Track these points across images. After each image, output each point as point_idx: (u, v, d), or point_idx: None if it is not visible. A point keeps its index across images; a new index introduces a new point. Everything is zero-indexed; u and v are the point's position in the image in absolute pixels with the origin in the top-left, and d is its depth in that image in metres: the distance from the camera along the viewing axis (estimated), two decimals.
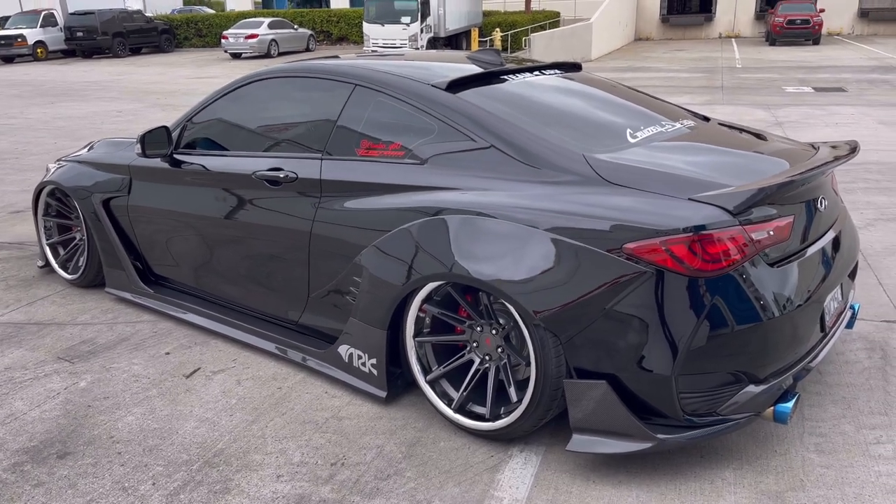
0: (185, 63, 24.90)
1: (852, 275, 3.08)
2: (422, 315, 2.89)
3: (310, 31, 28.34)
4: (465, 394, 2.82)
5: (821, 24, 25.68)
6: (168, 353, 3.61)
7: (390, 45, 21.52)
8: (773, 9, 27.16)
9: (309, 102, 3.43)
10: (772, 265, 2.48)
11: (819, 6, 26.80)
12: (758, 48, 25.43)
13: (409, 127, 3.04)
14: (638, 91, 3.67)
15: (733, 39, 30.28)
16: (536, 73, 3.46)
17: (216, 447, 2.81)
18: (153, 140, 3.73)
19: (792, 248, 2.58)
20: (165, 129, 3.76)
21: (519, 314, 2.55)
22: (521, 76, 3.35)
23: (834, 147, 3.04)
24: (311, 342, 3.38)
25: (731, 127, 3.35)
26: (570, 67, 3.76)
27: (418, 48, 21.28)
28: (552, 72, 3.54)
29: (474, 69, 3.29)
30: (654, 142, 2.89)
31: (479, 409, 2.82)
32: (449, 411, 2.84)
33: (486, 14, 26.72)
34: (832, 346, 2.86)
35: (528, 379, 2.69)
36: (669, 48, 26.64)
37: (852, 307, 3.12)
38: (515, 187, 2.69)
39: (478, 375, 2.82)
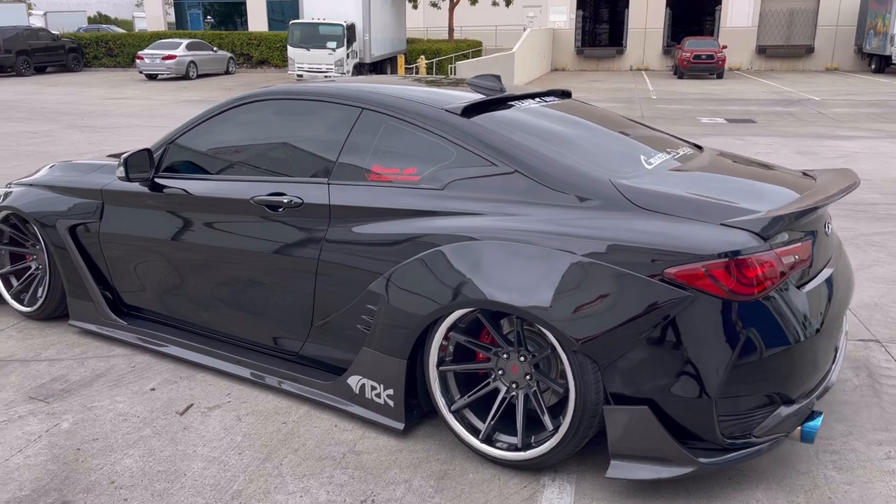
0: (95, 83, 23.87)
1: None
2: (444, 343, 2.83)
3: (229, 54, 27.76)
4: (492, 423, 2.77)
5: (724, 60, 27.24)
6: (153, 389, 3.39)
7: (316, 69, 21.33)
8: (680, 44, 28.63)
9: (310, 126, 3.34)
10: (797, 288, 2.57)
11: (721, 43, 28.44)
12: (668, 80, 26.69)
13: (423, 152, 2.99)
14: (630, 119, 3.76)
15: (644, 72, 31.69)
16: (538, 99, 3.49)
17: (232, 488, 2.64)
18: (135, 163, 3.52)
19: (812, 272, 2.68)
20: (147, 152, 3.57)
21: (558, 340, 2.53)
22: (525, 102, 3.37)
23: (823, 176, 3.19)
24: (313, 374, 3.25)
25: (726, 155, 3.47)
26: (562, 94, 3.82)
27: (344, 74, 21.19)
28: (551, 99, 3.58)
29: (482, 95, 3.28)
30: (668, 168, 2.95)
31: (506, 439, 2.77)
32: (476, 442, 2.78)
33: (410, 42, 26.95)
34: (841, 366, 2.98)
35: (560, 406, 2.67)
36: (585, 79, 27.59)
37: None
38: (543, 212, 2.68)
39: (504, 404, 2.78)
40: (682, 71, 27.43)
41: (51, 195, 4.03)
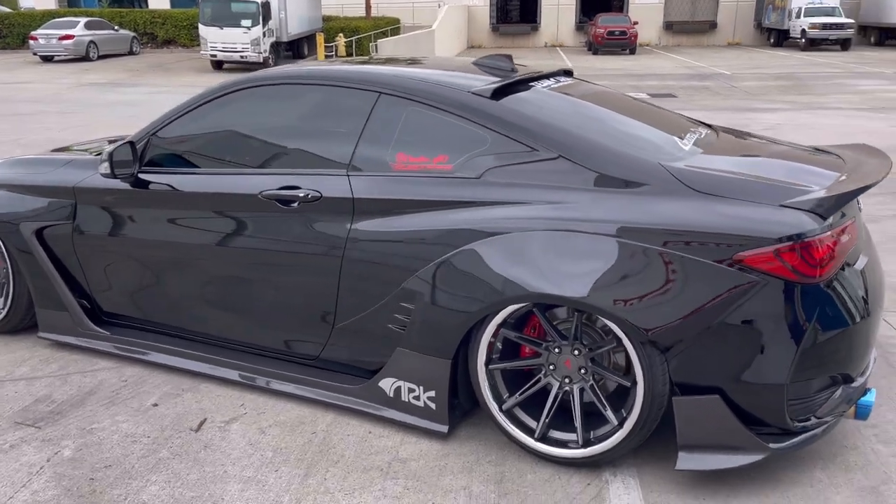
0: None
1: None
2: (492, 340, 2.69)
3: (132, 34, 26.23)
4: (546, 421, 2.66)
5: (636, 36, 27.92)
6: (156, 405, 3.10)
7: (231, 49, 20.43)
8: (593, 20, 29.10)
9: (320, 113, 3.10)
10: (849, 266, 2.57)
11: (632, 19, 29.08)
12: (584, 57, 27.11)
13: (454, 139, 2.82)
14: (637, 98, 3.69)
15: (559, 48, 32.07)
16: (552, 79, 3.36)
17: None
18: (121, 158, 3.18)
19: (857, 250, 2.69)
20: (131, 145, 3.23)
21: (625, 332, 2.44)
22: (542, 83, 3.24)
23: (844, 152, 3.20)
24: (337, 378, 3.05)
25: (736, 133, 3.45)
26: (566, 74, 3.71)
27: (261, 53, 20.40)
28: (563, 79, 3.46)
29: (498, 77, 3.12)
30: (701, 149, 2.89)
31: (561, 436, 2.67)
32: (532, 441, 2.67)
33: (326, 19, 26.19)
34: None
35: (617, 399, 2.60)
36: None
37: None
38: (593, 199, 2.57)
39: (557, 400, 2.67)
40: (597, 47, 27.91)
41: (7, 195, 3.62)
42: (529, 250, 2.55)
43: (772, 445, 2.43)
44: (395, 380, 2.86)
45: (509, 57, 3.38)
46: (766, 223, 2.38)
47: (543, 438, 2.67)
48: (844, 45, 27.24)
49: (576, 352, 2.62)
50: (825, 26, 27.09)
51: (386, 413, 2.90)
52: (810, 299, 2.38)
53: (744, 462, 2.43)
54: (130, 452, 2.76)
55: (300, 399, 3.09)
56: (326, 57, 21.81)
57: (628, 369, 2.65)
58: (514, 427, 2.70)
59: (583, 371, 2.63)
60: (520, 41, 33.69)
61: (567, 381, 2.66)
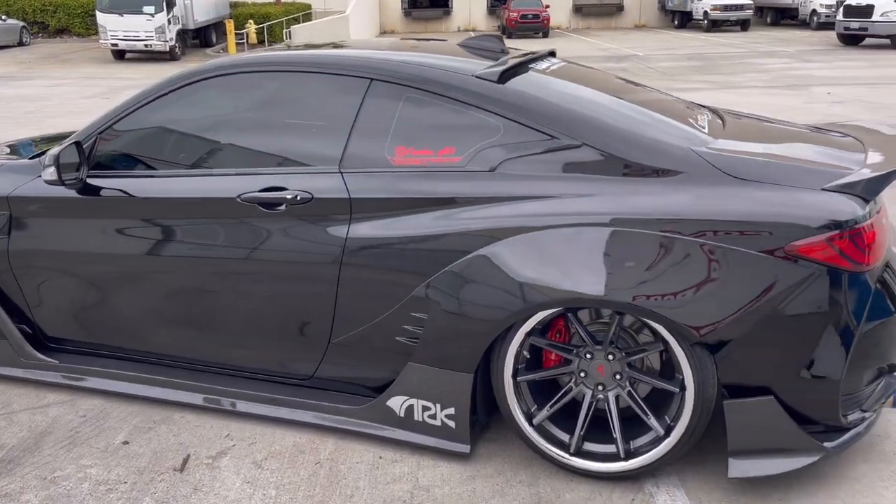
0: None
1: None
2: (518, 349, 2.44)
3: (21, 23, 24.35)
4: (581, 434, 2.45)
5: (549, 19, 28.12)
6: (126, 443, 2.71)
7: (133, 38, 19.22)
8: (506, 4, 29.10)
9: (302, 103, 2.76)
10: None
11: (544, 2, 29.27)
12: None
13: (460, 128, 2.55)
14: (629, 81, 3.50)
15: (472, 32, 31.93)
16: (546, 62, 3.13)
17: None
18: (66, 161, 2.75)
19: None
20: (77, 146, 2.79)
21: (672, 334, 2.24)
22: (538, 65, 3.00)
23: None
24: (337, 399, 2.74)
25: (738, 114, 3.30)
26: (551, 55, 3.48)
27: (167, 42, 19.31)
28: (556, 61, 3.23)
29: (498, 58, 2.86)
30: (720, 134, 2.72)
31: (597, 448, 2.46)
32: (567, 457, 2.45)
33: (234, 6, 25.06)
34: None
35: (656, 404, 2.41)
36: None
37: None
38: (624, 189, 2.36)
39: (591, 410, 2.46)
40: (511, 31, 27.90)
41: None
42: (560, 249, 2.32)
43: (826, 445, 2.30)
44: (406, 398, 2.58)
45: (499, 37, 3.13)
46: (814, 209, 2.22)
47: (579, 452, 2.45)
48: (744, 25, 28.28)
49: (610, 356, 2.42)
50: (726, 7, 28.03)
51: (398, 435, 2.62)
52: (861, 288, 2.25)
53: (799, 465, 2.29)
54: (108, 503, 2.38)
55: (294, 424, 2.77)
56: (237, 45, 20.87)
57: (663, 372, 2.48)
58: (545, 442, 2.47)
59: (618, 377, 2.43)
60: (433, 26, 33.38)
61: (600, 388, 2.45)
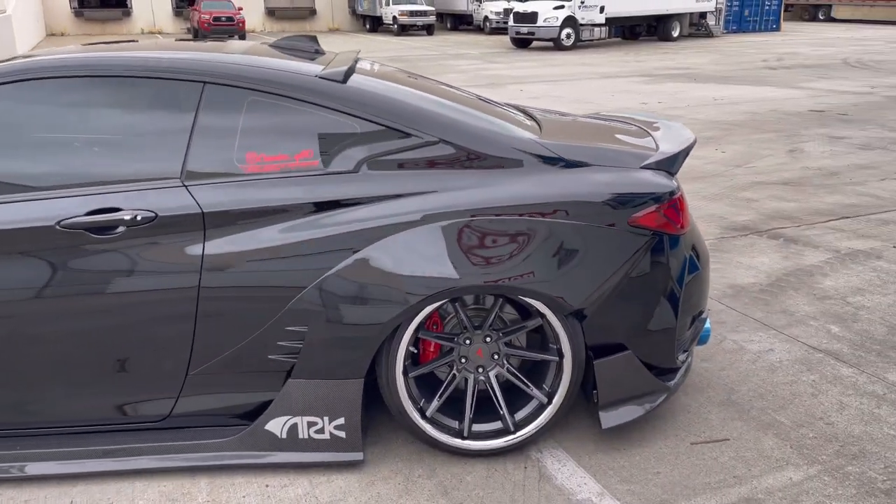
0: None
1: None
2: (408, 347, 2.46)
3: None
4: (470, 417, 2.55)
5: (244, 22, 27.42)
6: None
7: None
8: (196, 6, 27.77)
9: (125, 111, 2.44)
10: None
11: (236, 5, 28.49)
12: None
13: (312, 130, 2.48)
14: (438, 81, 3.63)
15: (158, 35, 29.91)
16: (365, 62, 3.14)
17: None
18: None
19: None
20: None
21: (550, 308, 2.44)
22: (360, 65, 3.01)
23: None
24: (200, 436, 2.50)
25: (548, 111, 3.60)
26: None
27: None
28: (366, 59, 3.25)
29: (317, 58, 2.83)
30: (539, 125, 2.98)
31: (484, 427, 2.58)
32: (460, 442, 2.53)
33: None
34: None
35: (542, 376, 2.61)
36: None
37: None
38: (485, 181, 2.50)
39: (475, 392, 2.57)
40: (204, 33, 26.70)
41: None
42: (439, 243, 2.38)
43: (668, 384, 2.68)
44: (288, 417, 2.45)
45: (314, 38, 3.07)
46: (643, 185, 2.57)
47: (471, 435, 2.55)
48: (429, 30, 30.44)
49: (487, 339, 2.55)
50: (412, 13, 29.91)
51: (282, 458, 2.48)
52: (682, 248, 2.66)
53: (654, 405, 2.65)
54: None
55: (155, 473, 2.46)
56: None
57: (530, 345, 2.68)
58: (438, 432, 2.53)
59: (496, 356, 2.57)
60: (111, 27, 30.60)
61: (481, 370, 2.57)
